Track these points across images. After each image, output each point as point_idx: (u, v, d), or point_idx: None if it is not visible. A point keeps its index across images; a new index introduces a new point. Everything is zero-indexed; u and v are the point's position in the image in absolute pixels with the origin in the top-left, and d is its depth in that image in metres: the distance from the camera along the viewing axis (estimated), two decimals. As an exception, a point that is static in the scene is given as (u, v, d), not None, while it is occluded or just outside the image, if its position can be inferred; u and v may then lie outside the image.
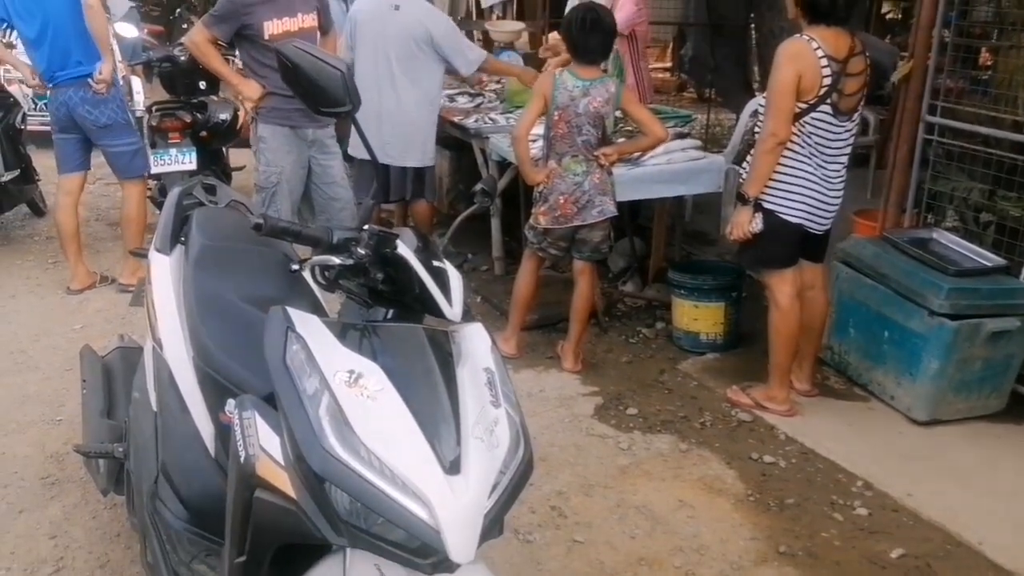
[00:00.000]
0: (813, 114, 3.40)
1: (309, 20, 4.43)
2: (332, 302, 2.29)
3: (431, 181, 5.07)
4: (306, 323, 1.80)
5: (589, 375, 4.13)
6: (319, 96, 1.85)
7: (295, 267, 1.86)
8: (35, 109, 7.98)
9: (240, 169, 6.54)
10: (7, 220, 6.14)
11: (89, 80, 4.71)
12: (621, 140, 4.32)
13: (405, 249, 1.84)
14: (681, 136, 4.77)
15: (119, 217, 6.21)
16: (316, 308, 2.39)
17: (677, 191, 4.63)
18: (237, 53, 4.91)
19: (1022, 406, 3.85)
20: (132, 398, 2.58)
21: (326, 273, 1.85)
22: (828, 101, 3.39)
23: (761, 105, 3.62)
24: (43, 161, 6.72)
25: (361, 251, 1.80)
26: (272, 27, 4.29)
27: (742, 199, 3.54)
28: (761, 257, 3.68)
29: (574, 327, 4.15)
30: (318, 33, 4.54)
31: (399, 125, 4.81)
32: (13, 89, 7.04)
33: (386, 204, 5.30)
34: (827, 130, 3.45)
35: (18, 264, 5.50)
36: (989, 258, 3.86)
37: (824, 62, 3.34)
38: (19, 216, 6.31)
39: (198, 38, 4.39)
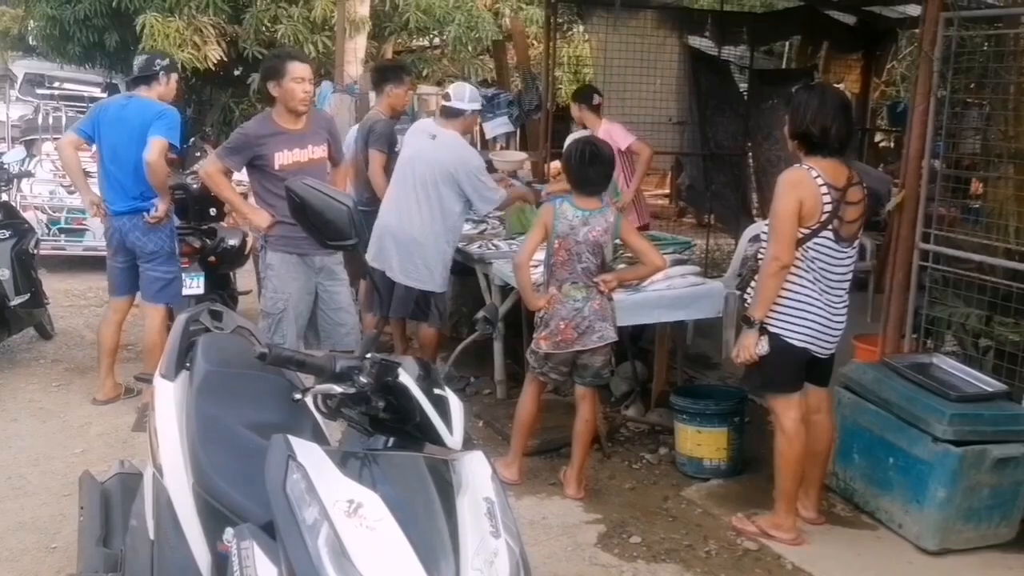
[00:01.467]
0: (816, 240, 3.50)
1: (319, 152, 4.57)
2: (335, 428, 2.30)
3: (438, 307, 5.11)
4: (307, 452, 1.81)
5: (592, 502, 4.07)
6: (326, 230, 1.92)
7: (297, 396, 1.89)
8: (48, 234, 8.17)
9: (247, 293, 6.64)
10: (13, 343, 6.18)
11: (144, 214, 4.94)
12: (622, 267, 4.40)
13: (407, 378, 1.87)
14: (681, 262, 4.85)
15: (129, 339, 6.28)
16: (318, 435, 2.40)
17: (677, 316, 4.68)
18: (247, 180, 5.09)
19: (1034, 535, 3.78)
20: (130, 526, 2.56)
21: (328, 402, 1.88)
22: (830, 227, 3.49)
23: (764, 232, 3.72)
24: (53, 285, 6.84)
25: (363, 380, 1.83)
26: (282, 158, 4.43)
27: (748, 322, 3.59)
28: (766, 381, 3.69)
29: (576, 453, 4.12)
30: (328, 164, 4.70)
31: (404, 243, 4.93)
32: (28, 215, 7.22)
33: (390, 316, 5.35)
34: (829, 255, 3.53)
35: (22, 387, 5.51)
36: (990, 383, 3.87)
37: (824, 190, 3.46)
38: (26, 339, 6.35)
39: (211, 169, 4.56)
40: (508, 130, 8.83)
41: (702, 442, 4.31)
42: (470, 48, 12.93)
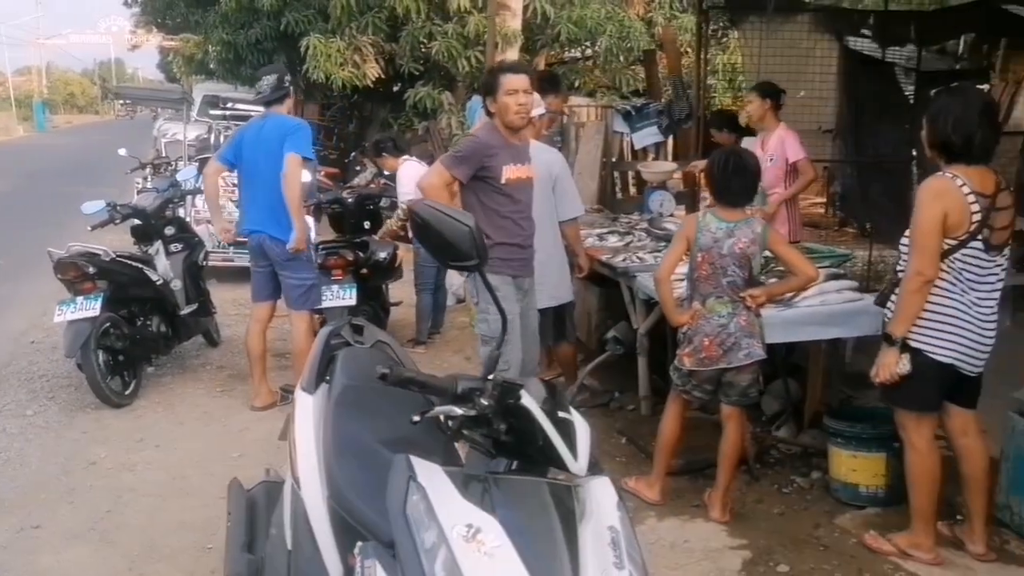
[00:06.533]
0: (964, 250, 3.32)
1: (532, 170, 4.38)
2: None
3: (571, 320, 5.03)
4: (429, 473, 1.81)
5: (737, 526, 3.91)
6: (448, 250, 1.91)
7: (416, 418, 1.88)
8: (217, 247, 8.66)
9: (398, 304, 6.81)
10: (184, 349, 6.58)
11: (285, 245, 5.13)
12: (772, 281, 4.21)
13: (529, 400, 1.84)
14: (836, 276, 4.60)
15: (287, 347, 6.58)
16: (450, 453, 2.40)
17: (831, 334, 4.43)
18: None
19: None
20: (270, 534, 2.64)
21: (449, 423, 1.86)
22: (979, 237, 3.30)
23: (903, 244, 3.51)
24: (222, 294, 7.25)
25: (484, 402, 1.81)
26: (509, 172, 4.18)
27: (888, 340, 3.41)
28: (906, 399, 3.50)
29: (722, 474, 3.97)
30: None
31: (541, 262, 4.68)
32: (200, 229, 7.67)
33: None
34: (979, 266, 3.35)
35: (189, 392, 5.85)
36: None
37: (972, 198, 3.27)
38: (195, 346, 6.75)
39: (436, 180, 4.17)
40: (657, 140, 8.69)
41: (858, 467, 4.06)
42: (621, 58, 12.85)
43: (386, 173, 7.51)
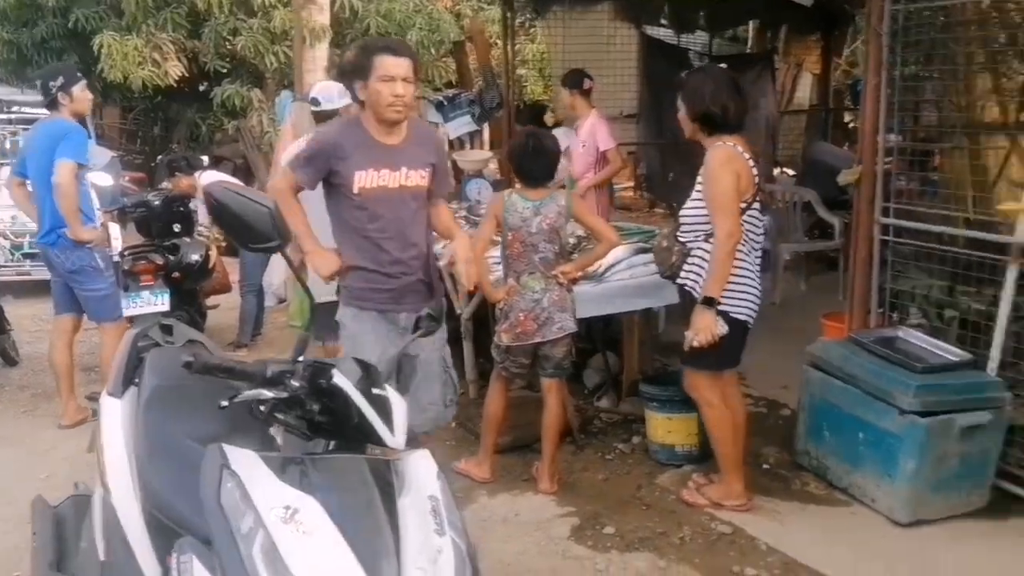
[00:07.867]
0: (750, 212, 3.61)
1: (416, 177, 3.41)
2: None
3: None
4: (243, 459, 1.78)
5: (565, 495, 4.05)
6: (247, 233, 1.88)
7: (224, 404, 1.84)
8: (12, 260, 8.07)
9: (215, 308, 6.57)
10: (-21, 371, 6.10)
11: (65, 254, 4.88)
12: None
13: (342, 379, 1.84)
14: (644, 251, 4.82)
15: (90, 363, 6.23)
16: (267, 441, 2.35)
17: (641, 304, 4.66)
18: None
19: (1005, 502, 3.78)
20: (80, 548, 2.51)
21: (260, 407, 1.84)
22: (758, 198, 3.64)
23: (686, 214, 3.75)
24: (19, 310, 6.75)
25: (295, 384, 1.80)
26: (364, 179, 3.32)
27: (709, 302, 3.55)
28: (714, 359, 3.67)
29: (547, 447, 4.10)
30: (426, 195, 3.50)
31: None
32: (-12, 242, 7.13)
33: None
34: (756, 226, 3.68)
35: (-12, 416, 5.43)
36: (955, 353, 3.88)
37: (751, 162, 3.60)
38: (-9, 366, 6.27)
39: (281, 183, 3.45)
40: (471, 129, 8.82)
41: (673, 429, 4.29)
42: (432, 51, 12.86)
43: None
